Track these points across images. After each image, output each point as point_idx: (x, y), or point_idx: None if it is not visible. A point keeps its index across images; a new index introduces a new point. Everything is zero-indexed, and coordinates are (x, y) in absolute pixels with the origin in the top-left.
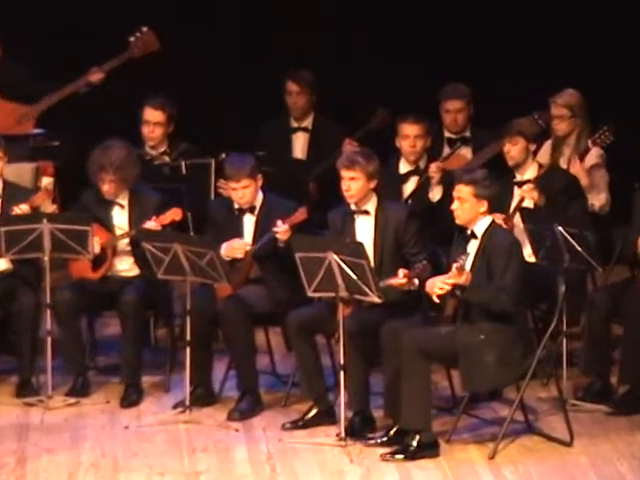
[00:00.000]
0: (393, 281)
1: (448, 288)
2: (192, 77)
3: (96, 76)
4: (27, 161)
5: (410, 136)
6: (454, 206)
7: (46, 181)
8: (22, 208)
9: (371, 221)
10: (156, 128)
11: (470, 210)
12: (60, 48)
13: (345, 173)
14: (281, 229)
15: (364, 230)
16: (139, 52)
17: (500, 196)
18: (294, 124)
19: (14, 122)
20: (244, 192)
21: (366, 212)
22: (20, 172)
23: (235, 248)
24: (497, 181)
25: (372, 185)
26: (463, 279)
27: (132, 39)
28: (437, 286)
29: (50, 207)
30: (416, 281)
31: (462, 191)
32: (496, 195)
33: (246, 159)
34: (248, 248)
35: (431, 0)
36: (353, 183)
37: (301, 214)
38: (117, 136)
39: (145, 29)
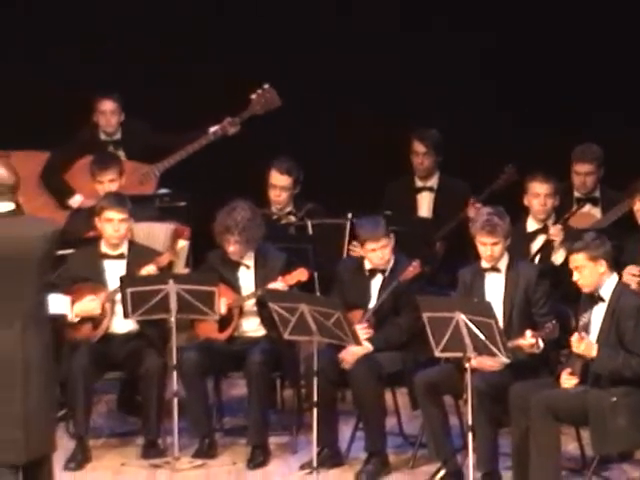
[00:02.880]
0: (521, 342)
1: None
2: (312, 136)
3: (233, 128)
4: (153, 221)
5: (540, 194)
6: (575, 277)
7: (181, 244)
8: (148, 269)
9: (501, 279)
10: (282, 192)
11: (590, 275)
12: (174, 101)
13: (487, 239)
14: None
15: (494, 288)
16: (261, 109)
17: (631, 255)
18: (419, 183)
19: (136, 182)
20: (383, 252)
21: (497, 270)
22: (153, 233)
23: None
24: (626, 240)
25: (508, 243)
26: (582, 348)
27: (253, 96)
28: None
29: (183, 271)
30: (541, 343)
31: (576, 260)
32: (611, 251)
33: (378, 219)
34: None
35: (563, 58)
36: (496, 247)
37: (414, 268)
38: (242, 196)
39: (266, 86)
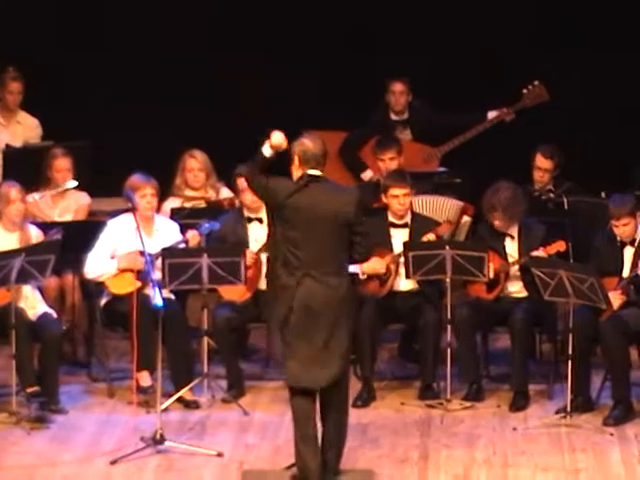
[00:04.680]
0: None
1: None
2: (575, 123)
3: (509, 117)
4: (429, 195)
5: None
6: None
7: (465, 219)
8: (429, 237)
9: None
10: (545, 174)
11: None
12: (455, 90)
13: None
14: None
15: None
16: (531, 103)
17: None
18: None
19: (421, 161)
20: (624, 229)
21: None
22: (440, 206)
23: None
24: None
25: None
26: None
27: (525, 91)
28: None
29: None
30: None
31: None
32: None
33: (627, 199)
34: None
35: None
36: None
37: None
38: (506, 175)
39: (537, 82)
